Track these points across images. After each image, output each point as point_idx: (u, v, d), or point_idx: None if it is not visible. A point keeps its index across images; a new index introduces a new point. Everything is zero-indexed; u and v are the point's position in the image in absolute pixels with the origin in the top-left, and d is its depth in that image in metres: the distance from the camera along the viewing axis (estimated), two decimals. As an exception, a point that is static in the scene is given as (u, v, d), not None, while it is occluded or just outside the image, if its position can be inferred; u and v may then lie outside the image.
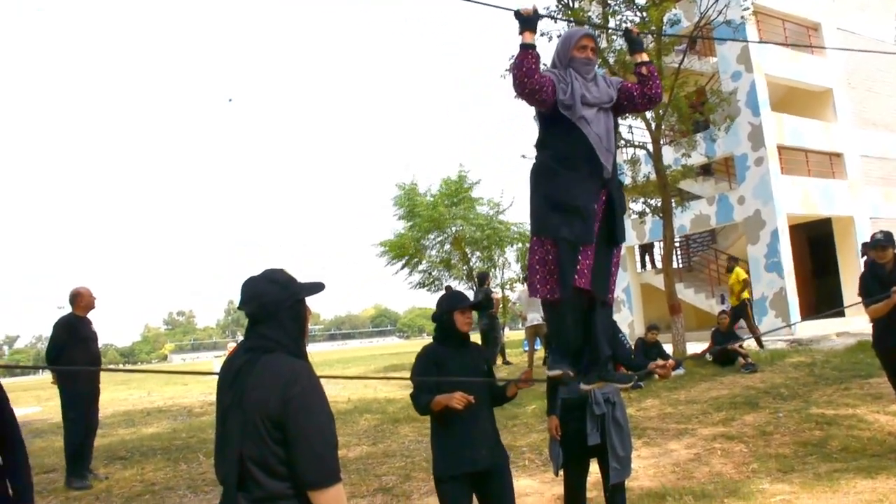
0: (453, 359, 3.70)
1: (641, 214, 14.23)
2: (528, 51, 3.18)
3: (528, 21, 3.25)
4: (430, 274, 22.53)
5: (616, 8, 12.47)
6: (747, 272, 15.49)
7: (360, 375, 14.46)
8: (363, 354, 34.52)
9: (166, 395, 17.37)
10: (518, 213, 22.53)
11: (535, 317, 13.28)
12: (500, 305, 20.00)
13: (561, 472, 4.37)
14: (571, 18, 10.70)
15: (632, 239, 20.81)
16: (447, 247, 22.27)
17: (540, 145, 3.42)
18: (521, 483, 5.92)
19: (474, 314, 4.28)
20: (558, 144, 3.31)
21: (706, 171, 20.08)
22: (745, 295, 13.54)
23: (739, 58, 17.90)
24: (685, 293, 19.25)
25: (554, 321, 3.38)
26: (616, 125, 3.48)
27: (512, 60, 3.27)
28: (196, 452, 8.14)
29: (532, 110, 3.53)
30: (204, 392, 16.26)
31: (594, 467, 4.35)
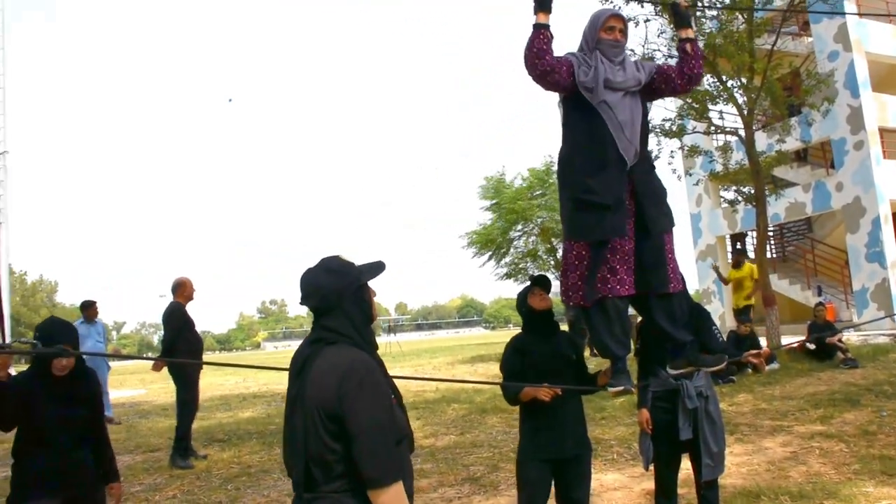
0: (540, 348, 3.74)
1: (732, 203, 13.77)
2: (539, 31, 3.07)
3: (542, 0, 3.11)
4: (516, 265, 22.50)
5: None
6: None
7: (437, 378, 14.62)
8: (450, 344, 34.83)
9: (261, 381, 18.09)
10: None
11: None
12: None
13: (651, 467, 4.28)
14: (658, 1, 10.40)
15: (723, 228, 20.16)
16: (533, 238, 22.20)
17: (563, 132, 3.29)
18: (609, 477, 5.89)
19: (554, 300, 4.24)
20: (577, 132, 3.19)
21: (801, 156, 19.23)
22: (751, 300, 11.95)
23: (837, 36, 17.02)
24: (779, 284, 18.51)
25: (594, 327, 3.22)
26: (645, 112, 3.29)
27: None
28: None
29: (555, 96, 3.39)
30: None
31: (685, 463, 4.25)
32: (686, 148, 13.00)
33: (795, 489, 5.21)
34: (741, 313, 11.60)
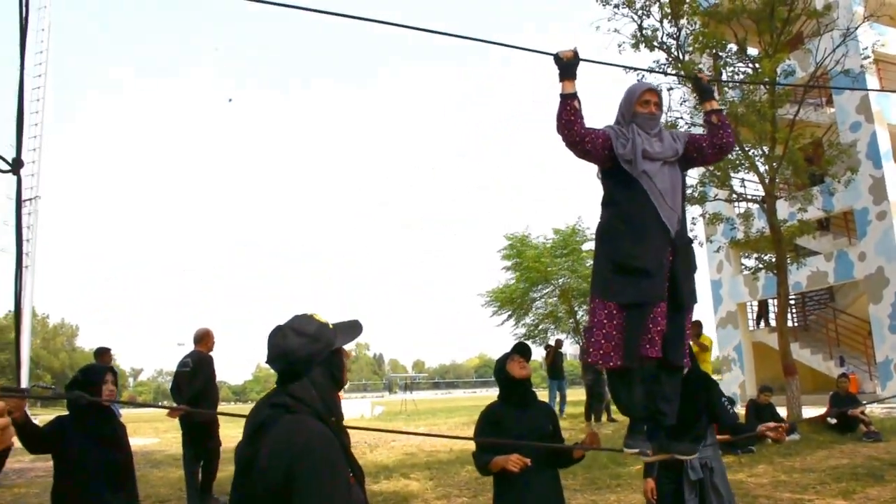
0: (514, 419, 3.62)
1: (754, 271, 13.73)
2: (566, 101, 3.13)
3: (567, 68, 3.17)
4: (535, 326, 22.35)
5: (727, 59, 12.31)
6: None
7: (410, 431, 14.45)
8: (466, 404, 34.37)
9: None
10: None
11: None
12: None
13: None
14: (682, 72, 10.66)
15: (744, 295, 20.04)
16: (553, 299, 22.12)
17: (603, 203, 3.33)
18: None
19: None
20: (620, 201, 3.22)
21: (824, 225, 19.19)
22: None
23: (859, 108, 17.18)
24: (801, 353, 18.26)
25: (617, 390, 3.23)
26: (684, 181, 3.36)
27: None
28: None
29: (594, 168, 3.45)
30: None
31: None
32: (708, 215, 13.06)
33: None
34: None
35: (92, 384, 3.54)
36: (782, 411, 11.73)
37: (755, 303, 20.76)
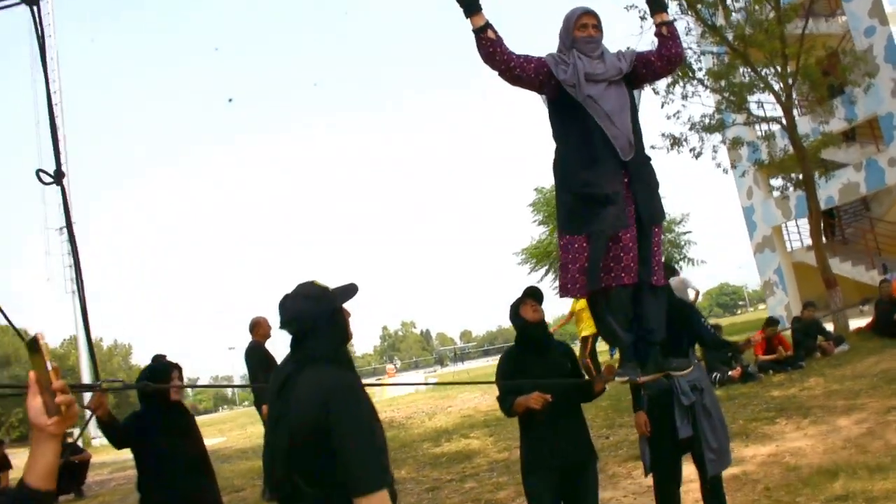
0: (533, 360, 3.67)
1: (782, 190, 13.64)
2: (479, 35, 3.05)
3: (469, 4, 3.06)
4: (569, 279, 22.38)
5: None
6: None
7: (415, 382, 14.72)
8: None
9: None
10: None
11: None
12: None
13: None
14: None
15: (778, 218, 19.82)
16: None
17: (554, 136, 3.28)
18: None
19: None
20: (569, 130, 3.18)
21: (850, 136, 18.84)
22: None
23: (871, 11, 16.75)
24: (842, 267, 18.05)
25: (600, 319, 3.24)
26: (633, 99, 3.24)
27: None
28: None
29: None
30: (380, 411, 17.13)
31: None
32: (728, 141, 12.96)
33: (874, 463, 5.18)
34: (584, 343, 11.44)
35: (159, 380, 3.79)
36: (830, 326, 11.75)
37: (790, 223, 20.53)
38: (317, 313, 2.28)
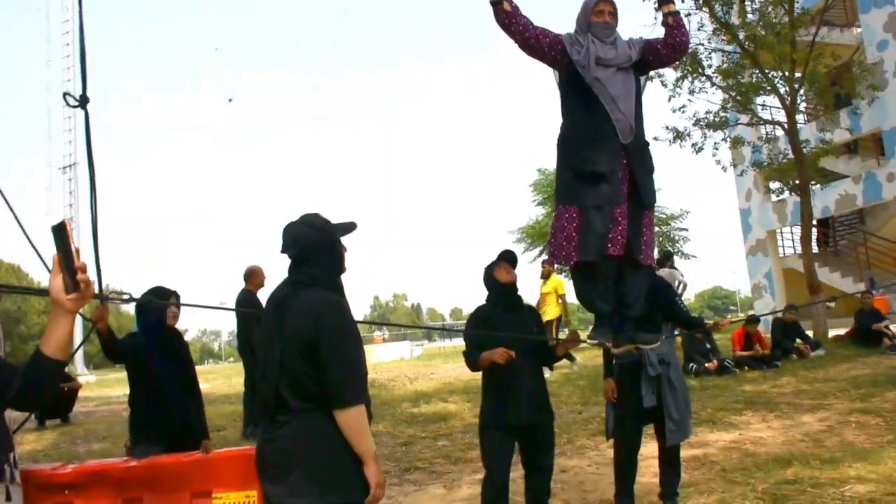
0: (502, 319, 3.83)
1: (779, 194, 13.82)
2: (496, 8, 3.21)
3: None
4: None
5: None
6: None
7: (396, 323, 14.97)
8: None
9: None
10: (660, 197, 22.09)
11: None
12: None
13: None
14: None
15: (773, 223, 19.98)
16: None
17: (562, 112, 3.45)
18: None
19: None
20: (575, 108, 3.35)
21: (851, 148, 18.97)
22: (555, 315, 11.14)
23: (886, 25, 16.76)
24: (831, 277, 18.32)
25: (581, 286, 3.39)
26: (639, 86, 3.43)
27: None
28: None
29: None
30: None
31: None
32: (730, 139, 13.08)
33: (827, 455, 5.39)
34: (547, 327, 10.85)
35: (159, 305, 4.02)
36: (809, 333, 12.00)
37: (785, 230, 20.73)
38: (318, 241, 2.47)
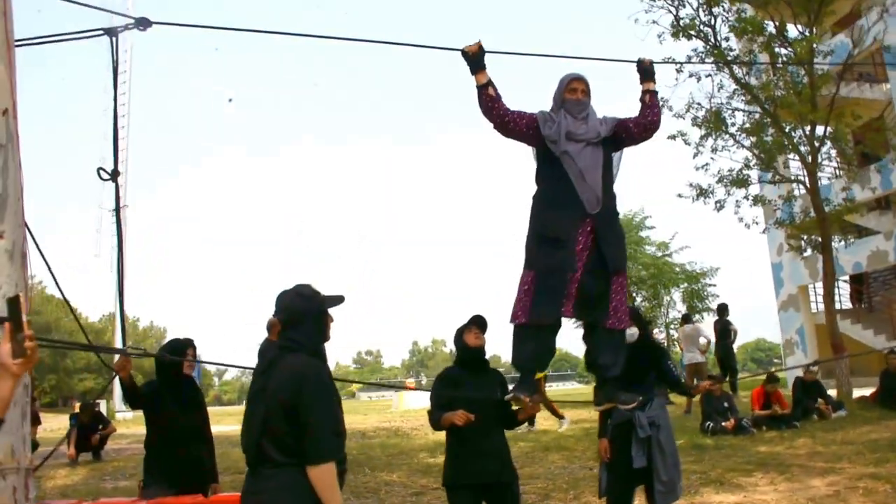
0: (468, 382, 3.96)
1: (799, 250, 13.76)
2: (481, 91, 3.51)
3: (475, 62, 3.50)
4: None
5: (766, 43, 12.31)
6: None
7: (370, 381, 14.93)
8: (554, 393, 34.80)
9: (347, 420, 18.97)
10: (687, 256, 22.03)
11: (694, 356, 13.33)
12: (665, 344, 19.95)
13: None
14: (718, 60, 10.95)
15: (805, 278, 19.80)
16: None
17: (535, 180, 3.69)
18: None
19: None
20: (545, 178, 3.59)
21: (883, 205, 18.82)
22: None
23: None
24: (863, 335, 18.01)
25: (514, 345, 3.55)
26: (609, 160, 3.62)
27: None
28: (363, 466, 9.17)
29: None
30: (380, 421, 17.63)
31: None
32: (752, 197, 13.16)
33: (828, 523, 5.46)
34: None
35: (175, 355, 4.41)
36: (832, 392, 11.85)
37: (818, 285, 20.47)
38: (306, 310, 2.75)
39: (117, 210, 3.79)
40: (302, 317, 2.74)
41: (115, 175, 3.61)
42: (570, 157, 3.49)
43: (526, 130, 3.58)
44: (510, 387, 4.00)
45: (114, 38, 3.47)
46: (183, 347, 4.48)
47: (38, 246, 3.27)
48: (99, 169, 3.64)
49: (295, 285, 2.85)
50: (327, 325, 2.85)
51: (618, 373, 3.68)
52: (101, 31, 3.44)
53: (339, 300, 2.85)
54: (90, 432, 10.76)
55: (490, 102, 3.52)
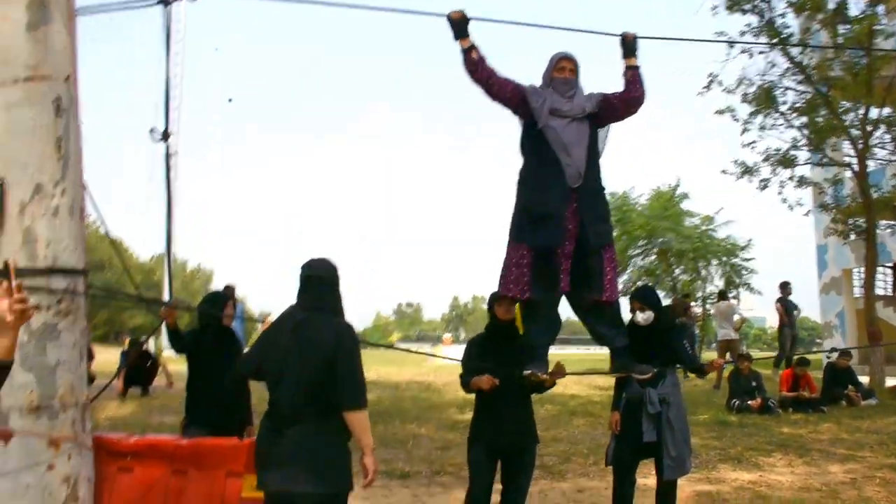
0: (495, 349, 4.10)
1: (844, 235, 13.49)
2: (466, 54, 3.63)
3: (459, 28, 3.61)
4: (633, 283, 22.59)
5: (824, 20, 11.94)
6: None
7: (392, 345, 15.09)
8: (578, 358, 34.99)
9: (382, 371, 19.47)
10: (729, 229, 21.72)
11: (727, 332, 13.34)
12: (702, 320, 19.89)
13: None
14: (772, 40, 10.67)
15: (850, 262, 19.38)
16: (652, 257, 22.32)
17: (521, 154, 3.78)
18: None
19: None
20: (530, 154, 3.70)
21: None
22: None
23: None
24: (905, 323, 17.67)
25: (525, 320, 3.73)
26: (593, 135, 3.70)
27: None
28: (394, 417, 9.51)
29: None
30: (414, 374, 17.98)
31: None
32: (796, 179, 12.92)
33: (836, 508, 5.55)
34: None
35: (217, 305, 4.74)
36: (865, 379, 11.70)
37: (862, 270, 20.04)
38: (335, 280, 3.18)
39: (167, 174, 4.06)
40: (331, 286, 3.14)
41: (165, 136, 3.88)
42: (555, 131, 3.59)
43: (510, 97, 3.70)
44: None
45: (168, 8, 3.68)
46: (224, 300, 4.80)
47: (92, 199, 3.54)
48: (151, 129, 3.91)
49: (321, 259, 3.23)
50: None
51: (625, 342, 3.86)
52: (155, 1, 3.66)
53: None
54: (138, 371, 11.45)
55: (474, 64, 3.62)
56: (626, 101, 3.76)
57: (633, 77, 3.73)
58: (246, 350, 4.79)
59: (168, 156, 4.01)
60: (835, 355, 11.69)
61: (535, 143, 3.69)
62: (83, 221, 3.28)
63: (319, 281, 3.12)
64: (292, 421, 2.95)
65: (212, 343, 4.72)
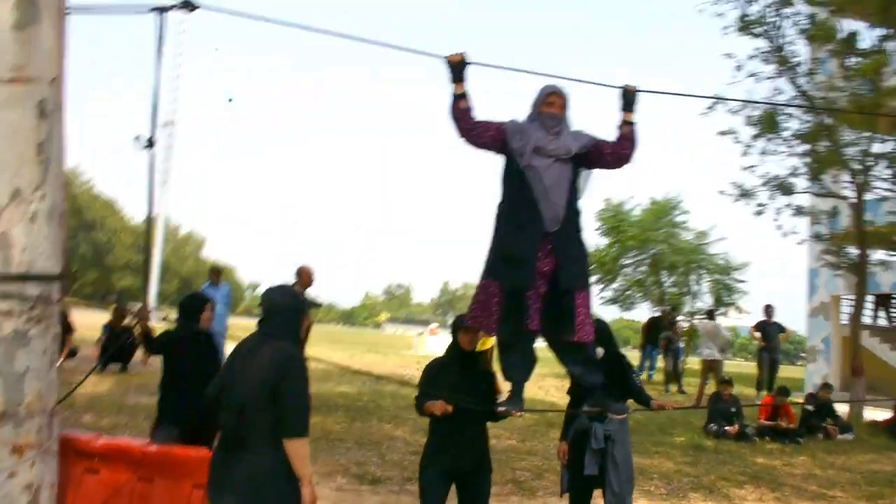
0: (454, 375, 4.05)
1: (835, 267, 13.47)
2: (455, 101, 3.58)
3: (457, 72, 3.57)
4: (623, 292, 22.56)
5: (835, 50, 11.83)
6: None
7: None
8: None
9: (366, 360, 19.39)
10: (722, 246, 21.57)
11: (711, 352, 13.32)
12: (687, 335, 19.86)
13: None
14: (780, 66, 10.59)
15: (839, 288, 19.39)
16: (643, 268, 22.24)
17: (500, 188, 3.72)
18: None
19: None
20: (509, 190, 3.63)
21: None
22: None
23: None
24: (891, 356, 17.71)
25: (501, 355, 3.77)
26: (574, 178, 3.62)
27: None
28: (371, 415, 9.49)
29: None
30: (396, 365, 17.93)
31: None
32: (793, 207, 12.87)
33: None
34: None
35: (194, 310, 4.74)
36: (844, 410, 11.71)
37: (851, 297, 20.06)
38: (292, 307, 3.23)
39: (150, 183, 4.01)
40: (285, 313, 3.19)
41: (150, 143, 3.82)
42: (536, 172, 3.52)
43: (493, 142, 3.64)
44: (500, 384, 4.21)
45: (162, 16, 3.60)
46: (201, 304, 4.77)
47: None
48: (136, 137, 3.90)
49: (281, 285, 3.37)
50: (304, 324, 3.33)
51: (599, 379, 3.85)
52: (149, 9, 3.57)
53: (317, 304, 3.38)
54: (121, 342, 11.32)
55: (460, 113, 3.61)
56: (618, 157, 3.68)
57: (628, 133, 3.66)
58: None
59: (152, 164, 3.94)
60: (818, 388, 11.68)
61: (514, 182, 3.62)
62: (63, 227, 3.20)
63: (274, 308, 3.19)
64: (238, 446, 2.99)
65: (188, 345, 4.69)
